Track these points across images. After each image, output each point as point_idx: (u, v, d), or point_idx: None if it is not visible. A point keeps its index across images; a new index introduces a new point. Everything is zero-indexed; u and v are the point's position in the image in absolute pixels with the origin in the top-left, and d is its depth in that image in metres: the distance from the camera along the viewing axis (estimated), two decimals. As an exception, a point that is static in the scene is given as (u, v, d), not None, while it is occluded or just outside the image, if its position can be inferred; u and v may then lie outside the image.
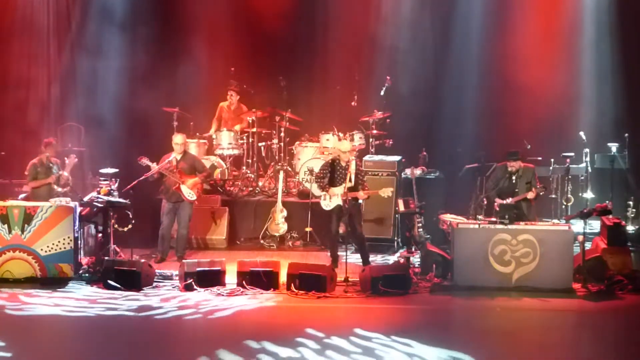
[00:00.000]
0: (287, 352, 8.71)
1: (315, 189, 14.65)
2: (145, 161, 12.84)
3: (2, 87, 15.78)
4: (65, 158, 13.17)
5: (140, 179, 12.71)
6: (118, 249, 12.62)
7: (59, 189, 12.86)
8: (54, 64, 16.19)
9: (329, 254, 12.89)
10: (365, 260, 12.48)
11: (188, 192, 12.97)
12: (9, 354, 8.84)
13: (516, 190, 12.65)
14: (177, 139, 13.16)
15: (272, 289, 11.37)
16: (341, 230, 13.66)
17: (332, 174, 12.48)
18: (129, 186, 12.67)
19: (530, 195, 12.54)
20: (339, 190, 12.38)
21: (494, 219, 11.99)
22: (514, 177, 12.72)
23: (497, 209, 12.17)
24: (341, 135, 15.06)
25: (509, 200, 12.52)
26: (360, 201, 12.63)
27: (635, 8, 15.66)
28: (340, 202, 12.36)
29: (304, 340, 9.12)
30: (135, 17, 15.98)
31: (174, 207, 13.09)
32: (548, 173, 15.37)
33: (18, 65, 15.82)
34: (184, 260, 12.19)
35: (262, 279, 11.41)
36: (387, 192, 12.49)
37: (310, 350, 8.81)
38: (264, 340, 9.01)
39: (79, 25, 16.19)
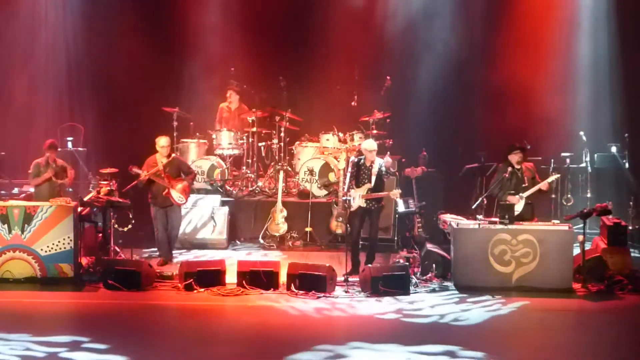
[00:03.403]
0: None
1: (315, 189, 14.66)
2: (136, 170, 12.67)
3: (2, 87, 15.79)
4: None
5: (132, 184, 12.61)
6: (118, 249, 12.63)
7: (59, 181, 12.80)
8: (53, 66, 16.22)
9: (350, 259, 12.01)
10: (369, 260, 12.31)
11: (178, 196, 12.83)
12: None
13: (524, 185, 12.52)
14: (162, 141, 12.83)
15: (272, 289, 11.38)
16: (340, 230, 13.71)
17: (357, 173, 12.24)
18: (129, 186, 12.66)
19: (544, 186, 12.43)
20: (360, 191, 12.16)
21: (494, 219, 11.97)
22: (519, 174, 12.59)
23: (504, 208, 11.92)
24: (341, 135, 15.09)
25: (522, 195, 12.34)
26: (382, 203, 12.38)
27: (634, 8, 15.66)
28: (362, 204, 12.18)
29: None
30: (135, 17, 15.98)
31: (164, 211, 12.93)
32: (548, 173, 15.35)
33: (18, 67, 15.83)
34: (184, 260, 12.20)
35: (262, 279, 11.42)
36: (395, 194, 12.40)
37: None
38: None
39: (79, 25, 16.23)
